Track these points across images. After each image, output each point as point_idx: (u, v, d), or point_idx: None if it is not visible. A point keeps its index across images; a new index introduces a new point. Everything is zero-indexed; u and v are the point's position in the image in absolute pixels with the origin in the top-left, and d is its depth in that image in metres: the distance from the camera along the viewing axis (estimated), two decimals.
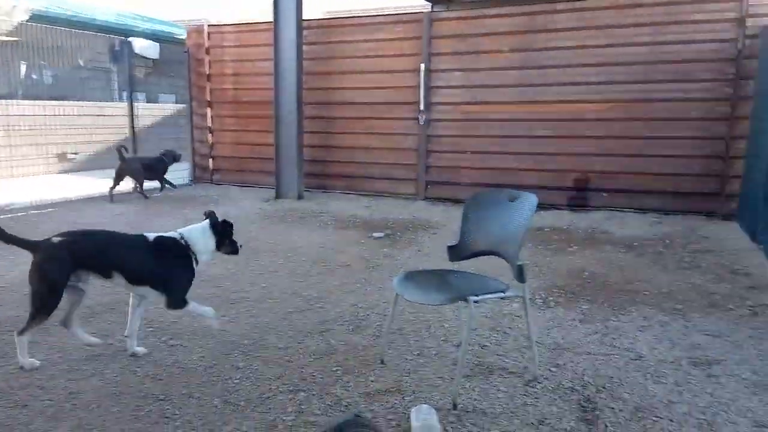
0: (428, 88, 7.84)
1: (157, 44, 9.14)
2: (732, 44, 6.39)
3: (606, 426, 2.38)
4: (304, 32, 8.05)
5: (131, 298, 3.06)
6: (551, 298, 4.01)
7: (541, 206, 7.12)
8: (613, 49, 6.89)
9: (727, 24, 6.40)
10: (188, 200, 8.01)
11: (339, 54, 8.32)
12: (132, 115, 9.16)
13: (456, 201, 7.59)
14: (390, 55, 8.01)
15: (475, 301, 2.45)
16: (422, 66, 7.77)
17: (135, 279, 2.95)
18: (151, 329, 3.44)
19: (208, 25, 9.31)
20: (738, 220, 6.33)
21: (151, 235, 3.07)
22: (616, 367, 2.92)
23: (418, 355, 3.08)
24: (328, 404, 2.56)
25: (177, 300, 3.01)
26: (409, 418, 2.35)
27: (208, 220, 3.18)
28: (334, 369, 2.91)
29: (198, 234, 3.13)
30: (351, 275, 4.56)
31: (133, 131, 9.15)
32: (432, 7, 12.39)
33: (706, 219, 6.64)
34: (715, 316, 3.63)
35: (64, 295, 2.81)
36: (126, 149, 8.03)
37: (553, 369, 2.91)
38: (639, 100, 6.86)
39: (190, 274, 3.07)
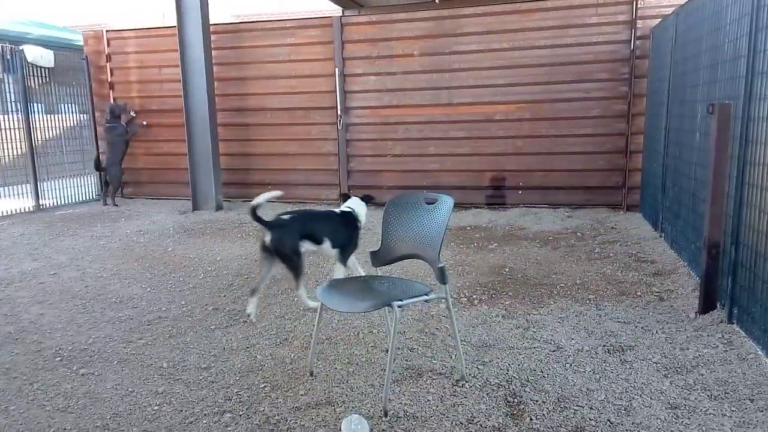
0: (344, 93, 7.83)
1: (52, 52, 8.52)
2: (625, 45, 6.85)
3: (531, 419, 2.45)
4: (213, 37, 7.79)
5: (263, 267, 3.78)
6: (475, 296, 4.10)
7: (462, 206, 7.46)
8: (518, 52, 7.19)
9: (620, 26, 6.85)
10: (97, 217, 7.52)
11: (251, 59, 8.13)
12: (29, 128, 8.49)
13: (380, 205, 7.59)
14: (304, 60, 7.93)
15: (399, 306, 2.45)
16: (337, 70, 7.75)
17: (336, 243, 3.94)
18: (59, 358, 3.19)
19: (107, 31, 8.80)
20: (641, 210, 6.79)
21: (337, 210, 4.15)
22: (538, 360, 3.03)
23: (348, 363, 3.05)
24: (256, 424, 2.47)
25: (347, 256, 4.03)
26: (340, 429, 2.31)
27: (359, 197, 4.33)
28: (261, 386, 2.82)
29: (359, 206, 4.25)
30: (275, 286, 4.45)
31: (31, 145, 8.48)
32: (343, 12, 12.43)
33: (613, 211, 7.07)
34: (625, 304, 3.86)
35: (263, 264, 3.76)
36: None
37: (480, 367, 2.97)
38: (544, 100, 7.21)
39: (358, 237, 4.16)
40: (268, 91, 8.14)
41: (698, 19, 4.48)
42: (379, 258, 2.94)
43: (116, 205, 8.23)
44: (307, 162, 8.15)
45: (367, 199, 4.38)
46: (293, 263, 3.71)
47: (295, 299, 4.11)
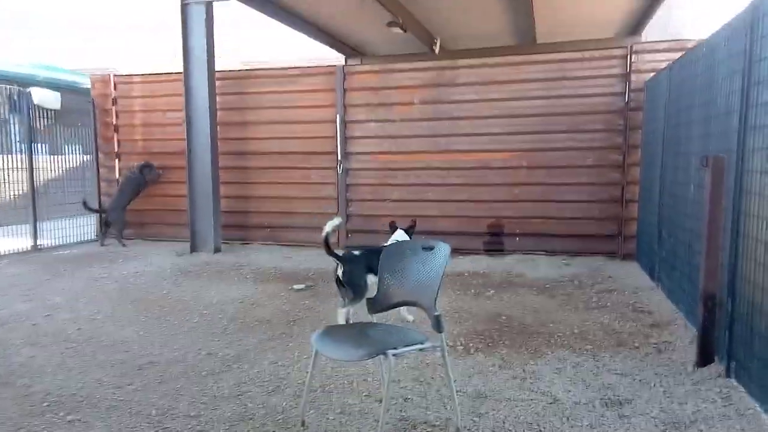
0: (345, 138, 7.96)
1: (59, 94, 8.71)
2: (620, 97, 7.01)
3: None
4: (219, 83, 7.98)
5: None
6: (471, 345, 4.06)
7: (460, 251, 7.48)
8: (514, 102, 7.36)
9: (614, 79, 7.03)
10: (94, 257, 7.51)
11: (255, 105, 8.30)
12: (31, 168, 8.58)
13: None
14: (306, 107, 8.09)
15: (394, 355, 2.43)
16: (338, 117, 7.90)
17: None
18: (47, 404, 3.13)
19: (115, 75, 9.01)
20: (637, 259, 6.79)
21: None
22: (535, 413, 2.98)
23: (341, 413, 2.99)
24: None
25: None
26: None
27: (403, 229, 4.96)
28: None
29: (404, 238, 4.77)
30: (270, 331, 4.41)
31: (33, 185, 8.56)
32: (346, 61, 12.78)
33: (609, 259, 7.07)
34: (623, 355, 3.82)
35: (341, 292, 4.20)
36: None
37: (475, 419, 2.91)
38: (540, 149, 7.32)
39: None
40: (270, 135, 8.27)
41: (691, 73, 4.61)
42: (375, 305, 2.93)
43: (124, 245, 8.29)
44: (306, 205, 8.20)
45: (411, 231, 5.03)
46: (359, 293, 4.14)
47: (291, 345, 4.06)
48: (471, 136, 7.54)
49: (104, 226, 8.44)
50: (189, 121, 7.67)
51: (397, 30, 9.77)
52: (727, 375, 3.35)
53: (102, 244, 8.37)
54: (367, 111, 7.91)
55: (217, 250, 7.72)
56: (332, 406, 3.07)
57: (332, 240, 4.23)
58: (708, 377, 3.38)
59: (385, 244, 4.36)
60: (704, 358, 3.53)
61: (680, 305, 4.66)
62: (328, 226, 4.13)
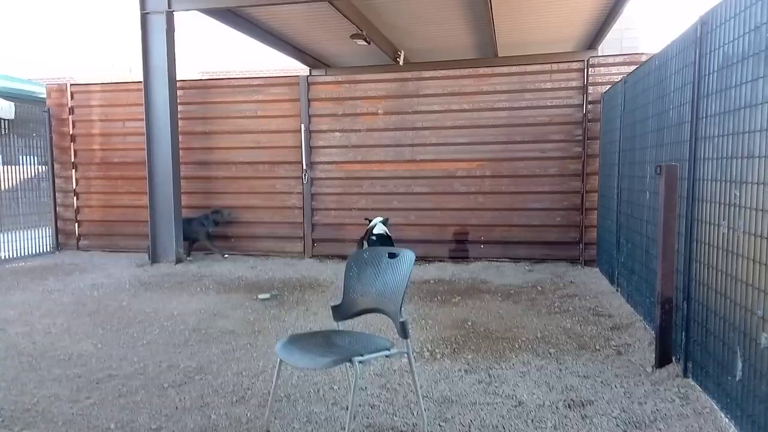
0: (310, 148, 7.95)
1: (12, 103, 8.42)
2: (578, 109, 7.23)
3: None
4: (180, 92, 7.88)
5: None
6: (438, 350, 4.08)
7: (426, 259, 7.53)
8: (477, 113, 7.50)
9: (572, 91, 7.24)
10: (50, 270, 7.25)
11: (218, 114, 8.22)
12: None
13: (343, 258, 7.61)
14: (271, 116, 8.05)
15: (360, 362, 2.43)
16: (303, 126, 7.89)
17: None
18: (0, 419, 3.00)
19: (72, 84, 8.78)
20: (598, 265, 6.97)
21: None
22: (500, 416, 3.01)
23: (306, 422, 2.96)
24: None
25: None
26: None
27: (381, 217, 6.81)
28: None
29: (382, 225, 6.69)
30: (234, 341, 4.33)
31: None
32: (310, 71, 12.79)
33: (571, 265, 7.24)
34: (585, 358, 3.90)
35: None
36: None
37: (441, 424, 2.93)
38: (503, 159, 7.47)
39: None
40: (233, 145, 8.19)
41: (644, 86, 4.79)
42: (340, 312, 2.92)
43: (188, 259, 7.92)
44: (271, 215, 8.13)
45: (386, 222, 6.95)
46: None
47: (256, 355, 4.01)
48: (436, 146, 7.64)
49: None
50: (149, 131, 7.52)
51: (362, 42, 9.86)
52: (685, 375, 3.46)
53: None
54: (331, 121, 7.92)
55: (178, 260, 7.56)
56: (298, 415, 3.04)
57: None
58: (666, 377, 3.48)
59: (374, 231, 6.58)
60: (662, 359, 3.64)
61: (639, 308, 4.80)
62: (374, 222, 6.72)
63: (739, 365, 2.76)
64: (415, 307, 5.32)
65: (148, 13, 7.45)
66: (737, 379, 2.78)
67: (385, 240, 6.81)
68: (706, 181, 3.26)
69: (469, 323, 4.78)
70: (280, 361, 2.65)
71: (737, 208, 2.83)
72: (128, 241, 8.52)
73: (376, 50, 10.94)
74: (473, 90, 7.51)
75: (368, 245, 6.94)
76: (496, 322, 4.82)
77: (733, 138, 2.89)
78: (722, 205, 3.01)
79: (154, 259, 7.60)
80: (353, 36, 9.61)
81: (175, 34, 7.59)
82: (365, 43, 9.88)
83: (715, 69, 3.15)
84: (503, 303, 5.46)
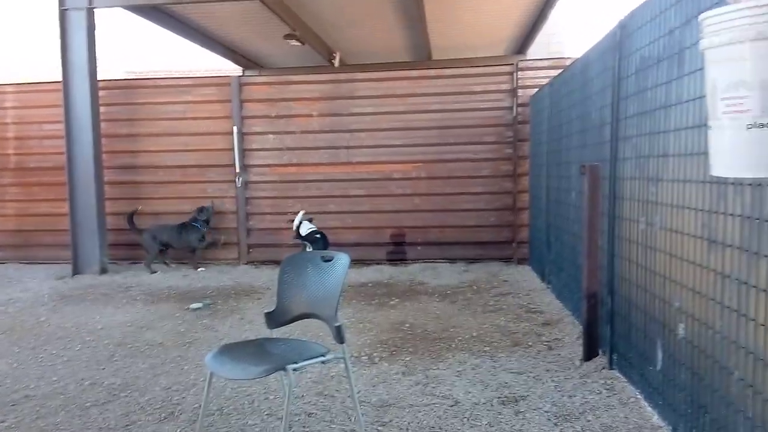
0: (243, 151, 7.75)
1: None
2: (508, 111, 7.43)
3: None
4: (103, 93, 7.48)
5: None
6: (375, 354, 4.07)
7: (363, 262, 7.51)
8: (411, 115, 7.56)
9: (503, 94, 7.44)
10: None
11: (145, 116, 7.86)
12: None
13: (279, 263, 7.45)
14: (201, 118, 7.79)
15: (294, 370, 2.36)
16: (235, 128, 7.69)
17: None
18: None
19: None
20: (530, 263, 7.19)
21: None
22: (437, 416, 3.02)
23: None
24: None
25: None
26: None
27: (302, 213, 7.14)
28: None
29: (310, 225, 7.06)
30: (164, 354, 4.14)
31: None
32: (243, 72, 12.52)
33: (505, 264, 7.42)
34: (518, 354, 4.00)
35: None
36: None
37: (380, 428, 2.90)
38: (438, 160, 7.57)
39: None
40: (161, 148, 7.86)
41: (569, 89, 4.97)
42: (274, 319, 2.84)
43: (154, 272, 7.28)
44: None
45: (311, 219, 7.29)
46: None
47: (186, 368, 3.85)
48: (371, 148, 7.64)
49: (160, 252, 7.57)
50: (69, 134, 7.10)
51: (295, 43, 9.74)
52: (611, 367, 3.60)
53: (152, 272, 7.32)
54: (265, 123, 7.76)
55: (103, 271, 7.18)
56: (231, 429, 2.94)
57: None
58: (594, 370, 3.62)
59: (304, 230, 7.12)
60: (589, 352, 3.78)
61: (568, 304, 4.98)
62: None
63: (660, 355, 2.90)
64: (353, 310, 5.29)
65: (67, 9, 7.04)
66: (658, 368, 2.91)
67: (322, 238, 7.02)
68: (626, 180, 3.41)
69: (407, 325, 4.79)
70: (211, 373, 2.54)
71: (654, 204, 2.97)
72: (48, 251, 8.00)
73: (311, 51, 10.84)
74: (407, 92, 7.56)
75: (311, 246, 7.02)
76: (433, 322, 4.86)
77: (649, 138, 3.04)
78: (641, 202, 3.16)
79: (76, 270, 7.18)
80: (287, 36, 9.47)
81: (98, 31, 7.22)
82: (299, 43, 9.77)
83: (633, 72, 3.30)
84: (440, 303, 5.52)
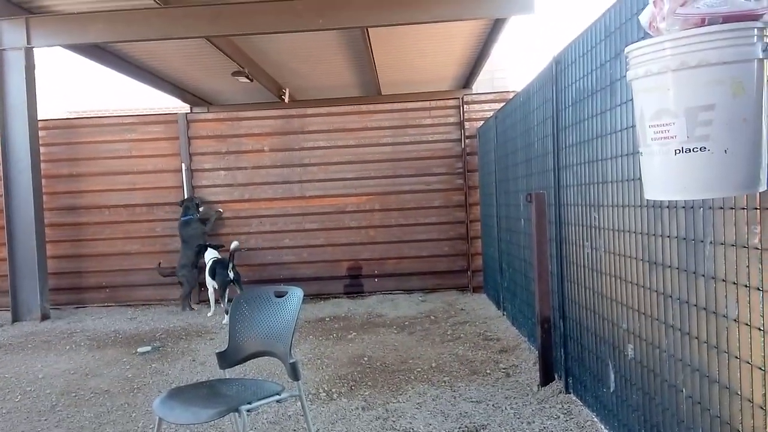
0: (192, 188, 7.62)
1: None
2: (457, 143, 7.62)
3: None
4: (43, 133, 7.27)
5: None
6: (334, 390, 3.99)
7: (321, 296, 7.44)
8: (363, 148, 7.64)
9: (451, 127, 7.63)
10: None
11: (87, 155, 7.63)
12: None
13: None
14: (146, 156, 7.63)
15: (248, 411, 2.29)
16: (183, 165, 7.56)
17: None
18: None
19: None
20: (485, 291, 7.28)
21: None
22: None
23: None
24: None
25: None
26: None
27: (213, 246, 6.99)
28: None
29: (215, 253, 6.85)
30: (110, 402, 3.94)
31: None
32: (191, 109, 12.40)
33: (461, 293, 7.49)
34: (476, 383, 4.01)
35: None
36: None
37: None
38: (391, 192, 7.65)
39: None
40: (106, 187, 7.64)
41: (513, 120, 5.16)
42: (227, 359, 2.76)
43: (192, 309, 7.03)
44: (151, 260, 7.59)
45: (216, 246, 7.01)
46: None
47: (134, 415, 3.66)
48: (324, 181, 7.65)
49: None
50: (7, 176, 6.82)
51: (244, 79, 9.75)
52: (567, 391, 3.66)
53: (184, 309, 7.08)
54: (215, 159, 7.67)
55: (44, 317, 6.82)
56: None
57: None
58: (551, 395, 3.66)
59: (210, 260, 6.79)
60: (546, 377, 3.83)
61: (523, 330, 5.04)
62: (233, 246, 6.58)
63: (612, 377, 2.96)
64: (311, 346, 5.20)
65: (4, 49, 6.85)
66: (611, 390, 2.98)
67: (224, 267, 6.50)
68: (570, 206, 3.54)
69: (366, 358, 4.74)
70: (160, 419, 2.43)
71: (597, 229, 3.09)
72: None
73: (260, 88, 10.87)
74: (358, 126, 7.66)
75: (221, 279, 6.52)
76: (392, 355, 4.82)
77: (588, 166, 3.17)
78: (585, 227, 3.28)
79: (16, 317, 6.79)
80: (235, 73, 9.48)
81: (38, 71, 7.04)
82: (248, 80, 9.79)
83: (570, 103, 3.46)
84: (398, 335, 5.49)
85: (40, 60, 7.15)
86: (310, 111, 7.80)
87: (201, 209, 7.36)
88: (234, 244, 6.71)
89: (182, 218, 7.18)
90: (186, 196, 7.48)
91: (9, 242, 6.84)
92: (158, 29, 6.97)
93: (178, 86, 11.27)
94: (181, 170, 7.58)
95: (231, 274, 6.50)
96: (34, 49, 6.95)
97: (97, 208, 7.65)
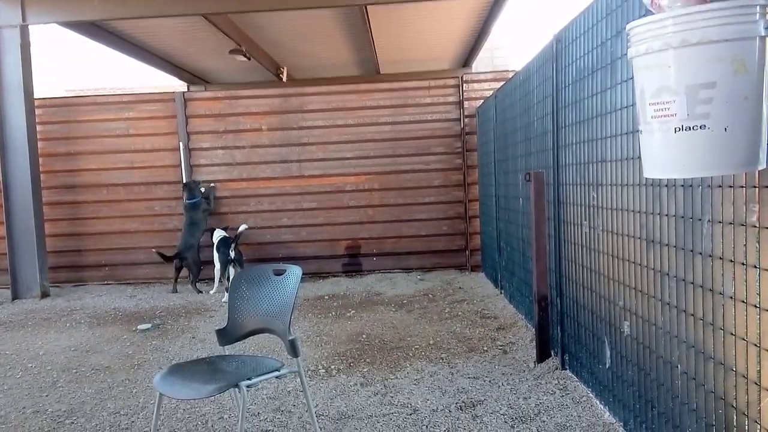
0: (190, 167, 7.60)
1: None
2: (456, 123, 7.58)
3: None
4: (40, 111, 7.22)
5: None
6: (333, 366, 4.04)
7: (320, 275, 7.48)
8: (362, 127, 7.60)
9: (450, 106, 7.59)
10: None
11: (86, 134, 7.60)
12: None
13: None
14: (145, 134, 7.60)
15: (248, 386, 2.32)
16: (181, 144, 7.53)
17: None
18: None
19: None
20: (483, 270, 7.32)
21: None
22: (396, 426, 3.03)
23: None
24: None
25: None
26: None
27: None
28: None
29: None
30: (111, 378, 3.98)
31: None
32: (188, 88, 12.30)
33: (459, 272, 7.53)
34: (474, 359, 4.05)
35: None
36: None
37: None
38: (390, 171, 7.63)
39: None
40: (104, 166, 7.62)
41: (512, 100, 5.13)
42: (226, 336, 2.79)
43: (200, 292, 6.90)
44: (150, 239, 7.62)
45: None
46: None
47: (135, 391, 3.71)
48: (323, 161, 7.63)
49: (177, 271, 7.06)
50: (4, 155, 6.79)
51: (242, 58, 9.65)
52: (563, 367, 3.70)
53: (174, 291, 7.00)
54: (213, 138, 7.64)
55: (44, 295, 6.85)
56: None
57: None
58: (547, 371, 3.71)
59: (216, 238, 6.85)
60: (542, 354, 3.88)
61: (520, 308, 5.09)
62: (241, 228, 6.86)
63: (608, 353, 3.00)
64: (310, 324, 5.24)
65: None
66: (607, 366, 3.02)
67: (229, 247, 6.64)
68: (568, 185, 3.54)
69: (364, 336, 4.79)
70: (160, 394, 2.46)
71: (595, 208, 3.09)
72: None
73: (258, 66, 10.77)
74: (357, 105, 7.61)
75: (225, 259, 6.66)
76: (390, 332, 4.87)
77: (588, 144, 3.17)
78: (583, 207, 3.28)
79: (15, 295, 6.83)
80: (232, 51, 9.38)
81: (34, 48, 6.97)
82: (245, 58, 9.69)
83: (570, 82, 3.44)
84: (397, 313, 5.54)
85: (37, 39, 7.07)
86: (308, 90, 7.74)
87: (203, 190, 7.37)
88: (242, 227, 6.93)
89: (189, 201, 7.16)
90: (186, 180, 7.45)
91: (7, 221, 6.84)
92: (155, 7, 6.88)
93: (175, 65, 11.16)
94: (179, 149, 7.55)
95: (232, 254, 6.60)
96: (29, 26, 6.87)
97: (95, 186, 7.64)
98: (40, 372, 4.19)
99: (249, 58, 9.72)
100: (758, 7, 1.55)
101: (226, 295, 6.04)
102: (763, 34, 1.56)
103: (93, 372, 4.14)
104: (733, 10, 1.55)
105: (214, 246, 6.81)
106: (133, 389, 3.75)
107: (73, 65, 14.94)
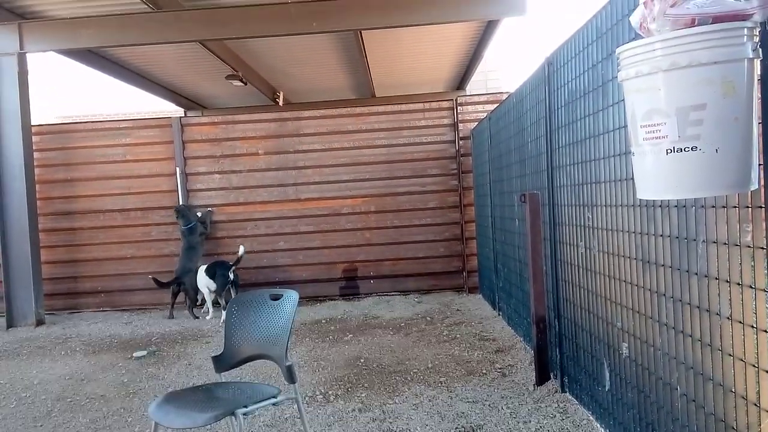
0: (187, 192, 7.61)
1: None
2: (452, 145, 7.63)
3: None
4: (36, 138, 7.25)
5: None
6: (331, 392, 3.99)
7: (317, 299, 7.43)
8: (358, 150, 7.65)
9: (445, 128, 7.65)
10: None
11: (81, 160, 7.62)
12: None
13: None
14: (142, 160, 7.62)
15: (245, 414, 2.29)
16: (178, 169, 7.55)
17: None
18: None
19: None
20: (481, 292, 7.29)
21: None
22: None
23: None
24: None
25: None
26: None
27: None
28: None
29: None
30: (106, 407, 3.93)
31: None
32: (185, 113, 12.38)
33: (457, 294, 7.50)
34: (473, 383, 4.01)
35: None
36: None
37: None
38: (386, 194, 7.66)
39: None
40: (101, 192, 7.62)
41: (506, 122, 5.17)
42: (223, 363, 2.76)
43: (197, 317, 6.81)
44: (146, 265, 7.58)
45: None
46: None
47: (131, 420, 3.65)
48: (319, 184, 7.65)
49: (174, 296, 7.00)
50: (1, 182, 6.80)
51: (238, 83, 9.74)
52: (563, 390, 3.67)
53: (171, 317, 6.92)
54: (210, 163, 7.66)
55: (39, 323, 6.79)
56: None
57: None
58: (547, 394, 3.67)
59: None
60: (542, 376, 3.84)
61: (519, 330, 5.06)
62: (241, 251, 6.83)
63: (607, 375, 2.98)
64: (307, 348, 5.19)
65: None
66: (606, 389, 2.99)
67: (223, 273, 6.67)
68: (564, 206, 3.55)
69: (362, 360, 4.74)
70: (155, 423, 2.43)
71: (591, 229, 3.10)
72: None
73: (254, 91, 10.86)
74: (353, 128, 7.67)
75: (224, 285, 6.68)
76: (388, 356, 4.82)
77: (582, 166, 3.19)
78: (579, 227, 3.29)
79: (10, 323, 6.76)
80: (229, 77, 9.47)
81: (30, 76, 7.03)
82: (242, 83, 9.78)
83: (563, 104, 3.48)
84: (395, 336, 5.50)
85: (30, 65, 7.13)
86: (304, 114, 7.81)
87: (199, 214, 7.37)
88: (241, 249, 6.96)
89: (185, 226, 7.16)
90: (176, 205, 7.42)
91: (3, 248, 6.81)
92: (151, 33, 6.97)
93: (171, 90, 11.24)
94: (176, 174, 7.57)
95: (231, 276, 6.64)
96: (27, 54, 6.94)
97: (92, 212, 7.63)
98: (34, 401, 4.13)
99: (245, 83, 9.81)
100: (745, 29, 1.58)
101: (224, 314, 5.99)
102: (750, 56, 1.58)
103: (88, 401, 4.08)
104: (721, 32, 1.58)
105: (203, 269, 6.77)
106: (128, 418, 3.70)
107: (65, 91, 15.07)
